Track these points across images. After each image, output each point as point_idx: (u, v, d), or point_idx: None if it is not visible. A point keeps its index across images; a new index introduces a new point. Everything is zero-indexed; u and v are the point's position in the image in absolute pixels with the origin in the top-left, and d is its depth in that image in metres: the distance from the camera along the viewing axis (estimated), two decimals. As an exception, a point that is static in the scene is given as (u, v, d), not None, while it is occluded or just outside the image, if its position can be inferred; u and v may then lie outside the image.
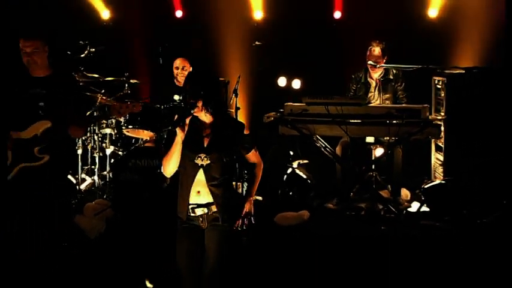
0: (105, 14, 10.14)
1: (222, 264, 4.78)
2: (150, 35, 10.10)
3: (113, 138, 8.39)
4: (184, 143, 4.71)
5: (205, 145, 4.71)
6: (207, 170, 4.70)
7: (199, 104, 4.60)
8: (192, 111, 4.63)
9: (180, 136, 4.63)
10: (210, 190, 4.70)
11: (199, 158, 4.72)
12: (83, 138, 8.42)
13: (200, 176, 4.66)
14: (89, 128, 8.45)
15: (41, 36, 5.89)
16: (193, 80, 4.81)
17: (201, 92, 4.61)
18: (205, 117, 4.72)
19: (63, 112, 5.81)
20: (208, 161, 4.71)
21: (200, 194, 4.69)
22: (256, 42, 9.02)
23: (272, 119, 7.82)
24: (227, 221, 4.76)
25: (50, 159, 5.78)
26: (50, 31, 6.48)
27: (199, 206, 4.73)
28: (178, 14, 10.14)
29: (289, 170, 8.36)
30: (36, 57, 5.76)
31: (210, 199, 4.68)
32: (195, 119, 4.76)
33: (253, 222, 4.96)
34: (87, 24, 9.96)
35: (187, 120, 4.61)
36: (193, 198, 4.70)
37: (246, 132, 5.12)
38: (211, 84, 4.78)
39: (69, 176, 7.75)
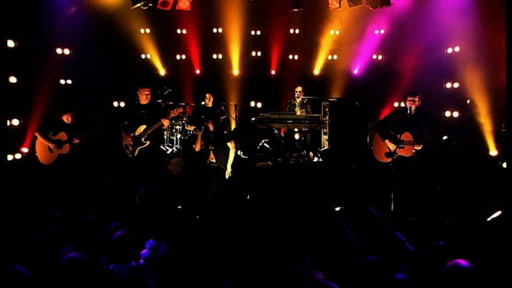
0: (162, 71, 13.39)
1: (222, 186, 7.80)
2: (187, 83, 12.98)
3: (180, 130, 11.27)
4: (203, 139, 7.78)
5: (211, 140, 7.67)
6: (213, 150, 7.74)
7: (209, 121, 7.82)
8: (205, 123, 7.82)
9: (199, 134, 7.84)
10: (215, 157, 7.73)
11: (210, 146, 7.75)
12: (167, 130, 10.87)
13: (211, 152, 7.76)
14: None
15: (149, 86, 8.16)
16: (209, 111, 8.39)
17: (209, 118, 7.80)
18: (212, 127, 7.79)
19: (154, 120, 8.05)
20: (213, 147, 7.76)
21: (212, 158, 7.76)
22: (218, 85, 11.80)
23: (253, 121, 10.72)
24: (222, 170, 7.72)
25: (150, 143, 8.16)
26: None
27: (211, 162, 7.80)
28: (198, 71, 13.36)
29: (260, 144, 11.01)
30: (148, 95, 8.20)
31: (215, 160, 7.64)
32: (207, 128, 7.79)
33: (230, 175, 7.65)
34: (152, 78, 12.95)
35: (203, 127, 7.79)
36: (211, 160, 7.81)
37: (226, 132, 7.84)
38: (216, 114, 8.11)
39: (162, 147, 10.86)
